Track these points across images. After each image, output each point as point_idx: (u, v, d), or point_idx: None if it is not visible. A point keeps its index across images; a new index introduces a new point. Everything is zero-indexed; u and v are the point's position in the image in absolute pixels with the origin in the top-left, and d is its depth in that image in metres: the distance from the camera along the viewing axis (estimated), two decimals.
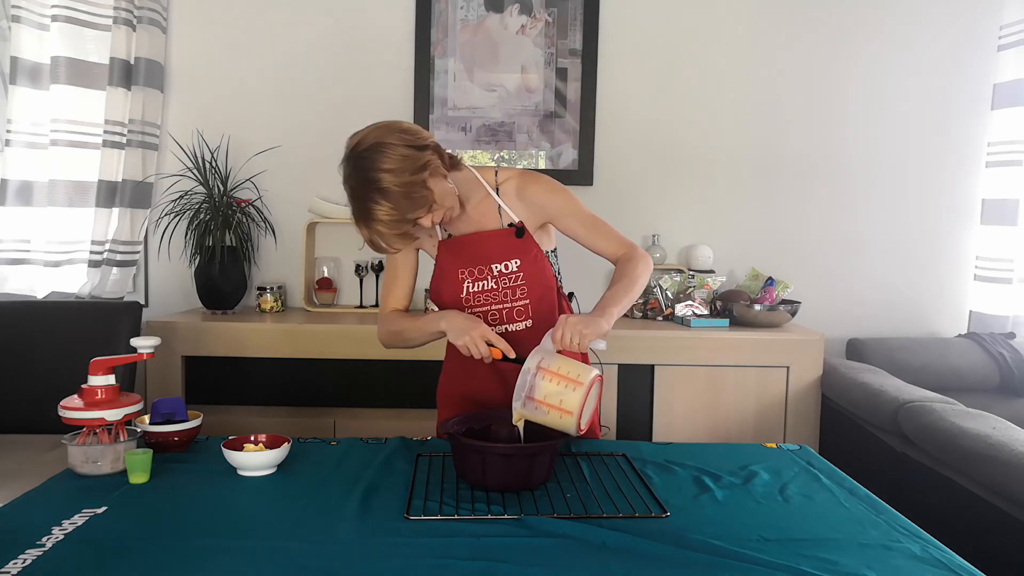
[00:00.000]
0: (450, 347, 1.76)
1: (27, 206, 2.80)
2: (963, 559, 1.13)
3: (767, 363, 2.70)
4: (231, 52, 3.02)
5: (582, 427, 1.33)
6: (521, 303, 1.64)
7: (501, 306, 1.64)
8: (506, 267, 1.63)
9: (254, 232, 2.99)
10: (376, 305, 3.07)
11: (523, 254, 1.63)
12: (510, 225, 1.64)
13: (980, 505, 1.91)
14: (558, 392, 1.32)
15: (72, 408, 1.42)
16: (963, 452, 1.98)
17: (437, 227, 1.64)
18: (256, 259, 3.05)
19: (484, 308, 1.64)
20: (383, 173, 1.40)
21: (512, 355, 1.49)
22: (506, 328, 1.64)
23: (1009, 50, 3.04)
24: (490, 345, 1.50)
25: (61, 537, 1.13)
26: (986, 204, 3.14)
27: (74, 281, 2.86)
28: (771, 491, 1.40)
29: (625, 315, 2.93)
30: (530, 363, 1.35)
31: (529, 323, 1.65)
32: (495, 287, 1.63)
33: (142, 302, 2.96)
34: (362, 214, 1.44)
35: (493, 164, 3.02)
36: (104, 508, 1.25)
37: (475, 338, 1.49)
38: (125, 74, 2.82)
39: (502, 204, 1.65)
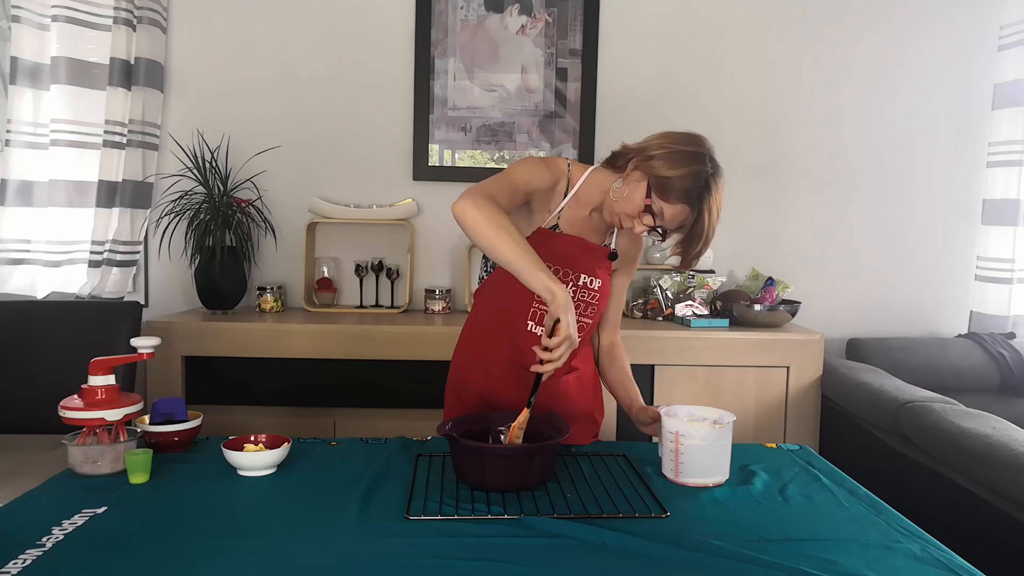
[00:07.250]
0: (467, 339, 1.72)
1: (27, 206, 2.80)
2: (963, 559, 1.13)
3: (767, 363, 2.70)
4: (231, 52, 3.01)
5: None
6: (586, 320, 1.64)
7: None
8: (591, 282, 1.64)
9: (254, 232, 2.98)
10: (376, 304, 3.07)
11: (606, 278, 1.66)
12: (606, 245, 1.68)
13: (980, 505, 1.91)
14: None
15: (72, 408, 1.42)
16: (963, 452, 1.98)
17: (554, 214, 1.63)
18: (256, 259, 3.05)
19: None
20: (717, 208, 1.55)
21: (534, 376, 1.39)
22: None
23: (1009, 50, 3.03)
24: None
25: (61, 537, 1.13)
26: (987, 204, 3.14)
27: (74, 281, 2.85)
28: (771, 491, 1.40)
29: (625, 315, 2.95)
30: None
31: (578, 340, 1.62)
32: (571, 296, 1.58)
33: (142, 302, 2.96)
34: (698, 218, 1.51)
35: None
36: (104, 508, 1.25)
37: (572, 321, 1.34)
38: (125, 74, 2.82)
39: (617, 229, 1.67)
